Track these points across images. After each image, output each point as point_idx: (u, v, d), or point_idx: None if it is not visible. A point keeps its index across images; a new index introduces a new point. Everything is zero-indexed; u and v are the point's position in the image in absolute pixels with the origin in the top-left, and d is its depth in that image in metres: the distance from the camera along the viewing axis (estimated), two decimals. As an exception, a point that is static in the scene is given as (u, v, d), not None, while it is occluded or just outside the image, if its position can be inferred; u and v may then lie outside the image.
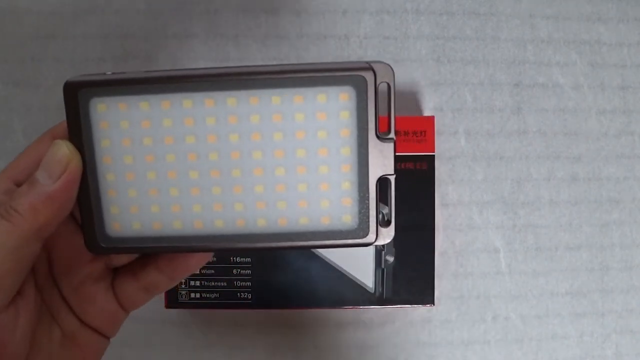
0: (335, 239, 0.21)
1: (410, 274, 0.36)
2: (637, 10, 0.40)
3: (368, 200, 0.21)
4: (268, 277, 0.36)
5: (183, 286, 0.36)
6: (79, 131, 0.21)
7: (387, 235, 0.22)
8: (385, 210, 0.22)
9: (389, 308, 0.38)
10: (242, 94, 0.20)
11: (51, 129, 0.23)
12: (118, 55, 0.39)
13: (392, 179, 0.21)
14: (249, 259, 0.36)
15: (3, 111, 0.39)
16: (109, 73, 0.21)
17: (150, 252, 0.22)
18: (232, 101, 0.20)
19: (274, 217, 0.21)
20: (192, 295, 0.36)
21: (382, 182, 0.21)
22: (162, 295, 0.36)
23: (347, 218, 0.21)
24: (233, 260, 0.36)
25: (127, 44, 0.39)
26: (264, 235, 0.21)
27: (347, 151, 0.21)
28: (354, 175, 0.21)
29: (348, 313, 0.39)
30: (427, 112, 0.39)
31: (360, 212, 0.21)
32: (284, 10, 0.39)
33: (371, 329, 0.39)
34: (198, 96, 0.20)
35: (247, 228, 0.21)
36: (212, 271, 0.36)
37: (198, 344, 0.39)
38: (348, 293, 0.36)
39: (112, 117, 0.21)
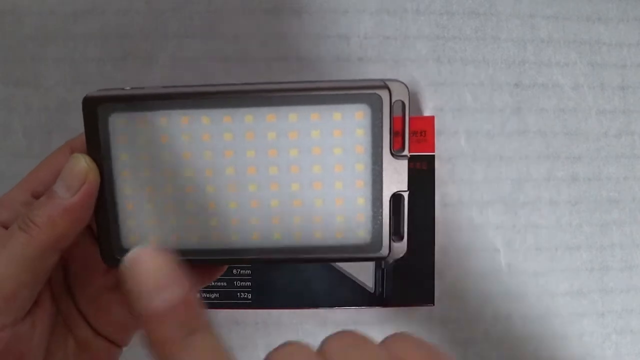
0: (349, 254, 0.22)
1: (410, 274, 0.36)
2: (637, 10, 0.40)
3: (382, 216, 0.21)
4: (268, 277, 0.36)
5: (183, 286, 0.36)
6: (97, 145, 0.21)
7: (399, 250, 0.22)
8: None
9: (389, 308, 0.38)
10: (260, 111, 0.21)
11: (69, 142, 0.23)
12: (118, 55, 0.39)
13: (406, 195, 0.21)
14: (249, 259, 0.36)
15: (3, 111, 0.39)
16: (128, 88, 0.21)
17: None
18: (249, 118, 0.21)
19: (289, 232, 0.22)
20: (192, 295, 0.36)
21: (396, 198, 0.21)
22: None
23: (361, 233, 0.22)
24: (233, 260, 0.36)
25: (127, 44, 0.39)
26: (279, 249, 0.22)
27: (362, 168, 0.21)
28: (368, 191, 0.21)
29: (348, 313, 0.39)
30: (427, 112, 0.39)
31: (373, 228, 0.22)
32: (284, 10, 0.39)
33: (371, 329, 0.39)
34: (216, 113, 0.21)
35: (262, 242, 0.22)
36: (212, 271, 0.36)
37: (198, 344, 0.39)
38: (348, 293, 0.36)
39: (130, 131, 0.21)
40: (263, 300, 0.36)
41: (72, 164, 0.21)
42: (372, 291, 0.36)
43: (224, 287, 0.36)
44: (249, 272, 0.36)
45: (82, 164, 0.21)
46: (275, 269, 0.36)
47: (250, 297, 0.36)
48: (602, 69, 0.40)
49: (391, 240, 0.22)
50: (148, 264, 0.17)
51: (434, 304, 0.36)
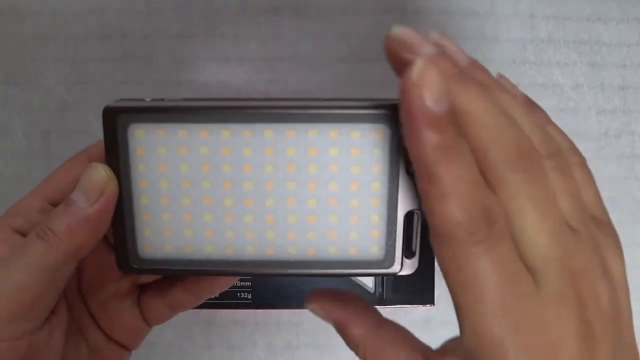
0: (362, 269, 0.22)
1: (410, 274, 0.36)
2: (637, 10, 0.40)
3: (395, 233, 0.22)
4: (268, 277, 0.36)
5: (183, 286, 0.36)
6: (116, 154, 0.21)
7: (411, 266, 0.23)
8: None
9: (389, 308, 0.38)
10: (280, 126, 0.21)
11: (87, 150, 0.24)
12: (118, 55, 0.39)
13: (419, 213, 0.22)
14: (249, 259, 0.36)
15: (3, 111, 0.39)
16: (148, 100, 0.22)
17: (181, 274, 0.23)
18: (269, 133, 0.21)
19: (304, 246, 0.22)
20: (192, 295, 0.36)
21: (409, 215, 0.22)
22: (162, 295, 0.36)
23: (374, 249, 0.22)
24: (233, 260, 0.36)
25: (127, 44, 0.39)
26: (293, 263, 0.22)
27: (378, 186, 0.21)
28: (383, 209, 0.21)
29: (348, 313, 0.39)
30: (427, 112, 0.39)
31: (387, 244, 0.22)
32: (284, 10, 0.39)
33: (371, 329, 0.39)
34: (236, 127, 0.21)
35: (277, 255, 0.22)
36: (212, 271, 0.36)
37: (198, 344, 0.39)
38: (348, 293, 0.36)
39: (149, 143, 0.21)
40: (263, 300, 0.36)
41: (91, 174, 0.21)
42: (372, 291, 0.36)
43: (224, 287, 0.36)
44: (249, 272, 0.36)
45: (102, 173, 0.21)
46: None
47: (250, 297, 0.36)
48: (602, 69, 0.40)
49: (403, 257, 0.22)
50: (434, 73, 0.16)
51: (434, 304, 0.36)
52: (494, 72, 0.40)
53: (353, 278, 0.36)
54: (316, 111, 0.21)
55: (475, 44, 0.39)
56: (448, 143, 0.16)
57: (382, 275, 0.23)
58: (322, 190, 0.21)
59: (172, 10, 0.39)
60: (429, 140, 0.15)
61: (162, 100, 0.22)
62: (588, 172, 0.21)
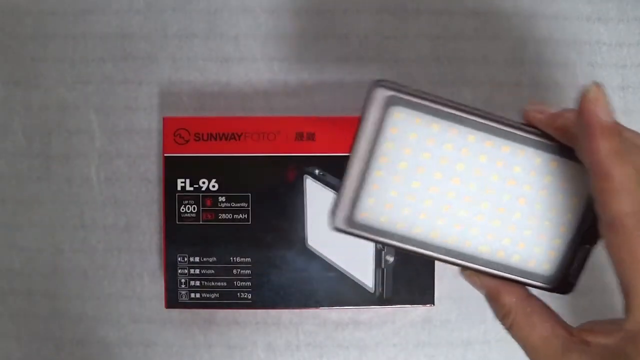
0: (532, 280, 0.25)
1: (410, 274, 0.36)
2: (637, 10, 0.40)
3: (568, 259, 0.25)
4: (268, 277, 0.36)
5: (183, 286, 0.36)
6: (371, 126, 0.23)
7: (567, 291, 0.26)
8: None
9: (389, 308, 0.38)
10: (515, 146, 0.24)
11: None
12: (118, 55, 0.39)
13: (592, 249, 0.25)
14: (249, 259, 0.36)
15: (3, 111, 0.39)
16: (414, 89, 0.24)
17: (385, 245, 0.25)
18: (505, 149, 0.24)
19: (496, 249, 0.25)
20: (192, 295, 0.36)
21: (584, 250, 0.25)
22: (162, 295, 0.36)
23: (547, 266, 0.25)
24: (233, 260, 0.36)
25: (127, 44, 0.39)
26: (481, 260, 0.25)
27: (570, 217, 0.25)
28: (567, 236, 0.25)
29: (348, 313, 0.39)
30: (427, 112, 0.39)
31: (559, 265, 0.25)
32: (283, 10, 0.39)
33: (371, 329, 0.39)
34: (481, 135, 0.24)
35: (470, 249, 0.25)
36: (212, 271, 0.36)
37: (198, 344, 0.39)
38: (348, 293, 0.36)
39: (404, 126, 0.23)
40: (263, 300, 0.36)
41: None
42: (372, 291, 0.36)
43: (224, 287, 0.36)
44: (249, 272, 0.36)
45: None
46: (275, 269, 0.36)
47: (250, 297, 0.36)
48: (602, 69, 0.40)
49: (567, 282, 0.26)
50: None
51: (434, 304, 0.36)
52: (494, 71, 0.40)
53: (353, 278, 0.36)
54: (546, 141, 0.24)
55: (475, 44, 0.39)
56: (618, 147, 0.20)
57: (546, 290, 0.26)
58: (529, 207, 0.24)
59: (172, 10, 0.39)
60: (603, 146, 0.20)
61: (427, 94, 0.23)
62: None
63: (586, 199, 0.24)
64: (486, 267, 0.25)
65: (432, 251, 0.25)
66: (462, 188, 0.24)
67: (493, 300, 0.25)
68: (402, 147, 0.23)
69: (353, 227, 0.24)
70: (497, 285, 0.25)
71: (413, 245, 0.25)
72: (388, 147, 0.23)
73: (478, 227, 0.25)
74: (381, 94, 0.23)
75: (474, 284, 0.26)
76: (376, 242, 0.25)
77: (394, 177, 0.24)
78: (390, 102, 0.23)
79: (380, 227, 0.24)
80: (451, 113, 0.23)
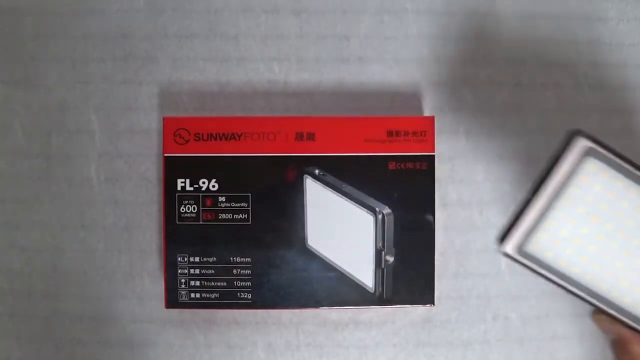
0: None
1: (410, 274, 0.36)
2: (637, 10, 0.40)
3: None
4: (268, 277, 0.36)
5: (183, 286, 0.36)
6: (564, 173, 0.26)
7: None
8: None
9: (389, 308, 0.38)
10: None
11: None
12: (118, 55, 0.39)
13: None
14: (249, 259, 0.36)
15: (3, 111, 0.39)
16: (609, 145, 0.26)
17: (546, 278, 0.27)
18: None
19: (636, 301, 0.27)
20: (192, 295, 0.36)
21: None
22: (162, 295, 0.36)
23: None
24: (233, 260, 0.36)
25: (127, 44, 0.39)
26: (622, 310, 0.27)
27: None
28: None
29: (348, 313, 0.39)
30: (427, 112, 0.39)
31: None
32: (284, 10, 0.39)
33: (371, 329, 0.39)
34: None
35: (614, 298, 0.27)
36: (212, 271, 0.36)
37: (198, 344, 0.39)
38: (348, 293, 0.36)
39: (593, 177, 0.26)
40: (263, 300, 0.36)
41: None
42: (372, 291, 0.36)
43: (224, 287, 0.36)
44: (249, 272, 0.36)
45: None
46: (275, 269, 0.36)
47: (250, 297, 0.36)
48: (602, 69, 0.40)
49: None
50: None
51: (434, 304, 0.36)
52: (494, 71, 0.40)
53: (353, 278, 0.36)
54: None
55: (474, 44, 0.39)
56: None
57: None
58: None
59: (172, 10, 0.39)
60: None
61: (613, 148, 0.26)
62: None
63: None
64: (626, 317, 0.27)
65: (585, 293, 0.27)
66: (625, 243, 0.26)
67: (621, 346, 0.28)
68: (586, 195, 0.26)
69: (522, 255, 0.26)
70: (628, 334, 0.28)
71: (570, 285, 0.27)
72: (574, 192, 0.26)
73: (629, 281, 0.27)
74: (582, 144, 0.25)
75: (603, 328, 0.29)
76: (538, 274, 0.27)
77: (570, 219, 0.26)
78: (588, 153, 0.25)
79: (544, 260, 0.27)
80: (637, 175, 0.26)
